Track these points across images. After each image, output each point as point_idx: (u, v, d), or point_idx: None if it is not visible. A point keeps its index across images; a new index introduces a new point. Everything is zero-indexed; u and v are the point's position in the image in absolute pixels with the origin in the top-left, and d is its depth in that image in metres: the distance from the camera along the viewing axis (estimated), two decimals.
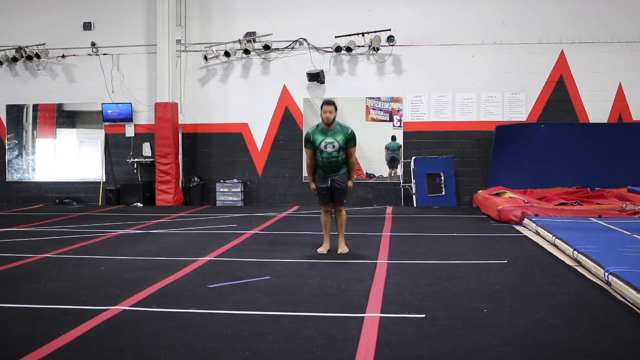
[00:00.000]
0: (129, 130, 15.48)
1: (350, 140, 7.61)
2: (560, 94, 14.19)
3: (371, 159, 14.39)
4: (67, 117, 16.01)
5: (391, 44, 14.08)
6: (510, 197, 12.06)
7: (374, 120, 14.62)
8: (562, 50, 14.15)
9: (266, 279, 6.45)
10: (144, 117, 15.38)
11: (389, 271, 6.77)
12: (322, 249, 7.95)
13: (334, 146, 7.56)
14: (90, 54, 15.47)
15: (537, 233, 9.30)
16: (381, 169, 14.86)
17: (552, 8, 14.20)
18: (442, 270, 6.85)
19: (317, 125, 7.75)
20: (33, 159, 15.98)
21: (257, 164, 15.10)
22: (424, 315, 5.03)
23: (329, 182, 7.70)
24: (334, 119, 7.62)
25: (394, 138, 14.71)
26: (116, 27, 15.37)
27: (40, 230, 10.39)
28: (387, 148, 14.77)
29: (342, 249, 7.88)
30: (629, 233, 8.51)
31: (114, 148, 15.55)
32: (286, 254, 7.96)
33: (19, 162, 15.99)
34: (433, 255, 7.74)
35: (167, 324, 4.83)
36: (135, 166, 15.38)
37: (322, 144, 7.58)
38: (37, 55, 15.33)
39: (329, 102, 7.64)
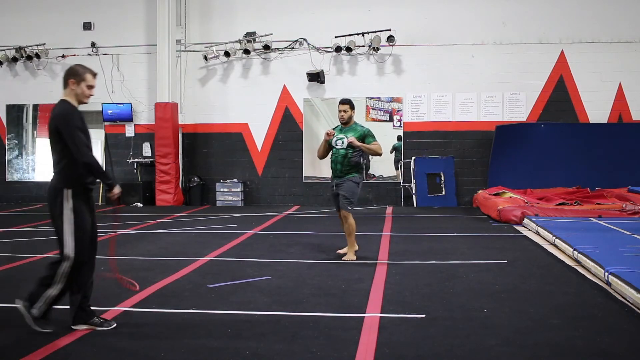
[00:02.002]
0: (129, 130, 15.48)
1: (367, 137, 7.39)
2: (560, 94, 14.19)
3: (371, 158, 14.36)
4: None
5: (391, 44, 14.08)
6: (510, 197, 12.06)
7: (374, 120, 14.60)
8: (562, 50, 14.15)
9: (266, 279, 6.45)
10: (144, 117, 15.38)
11: (389, 271, 6.77)
12: (342, 250, 7.79)
13: (342, 142, 7.36)
14: (90, 54, 15.46)
15: (537, 233, 9.30)
16: (381, 169, 14.84)
17: (552, 8, 14.20)
18: (442, 270, 6.85)
19: (338, 125, 7.67)
20: (33, 159, 15.98)
21: (257, 164, 15.09)
22: (424, 315, 5.03)
23: (334, 185, 7.52)
24: (350, 117, 7.46)
25: (399, 138, 14.68)
26: (116, 27, 15.37)
27: (40, 230, 10.39)
28: (395, 148, 14.70)
29: (348, 256, 7.50)
30: (629, 233, 8.51)
31: (114, 148, 15.54)
32: (286, 254, 7.96)
33: (19, 162, 15.99)
34: (433, 255, 7.74)
35: (167, 324, 4.83)
36: (135, 166, 15.38)
37: (334, 140, 7.43)
38: (37, 55, 15.33)
39: (343, 101, 7.51)
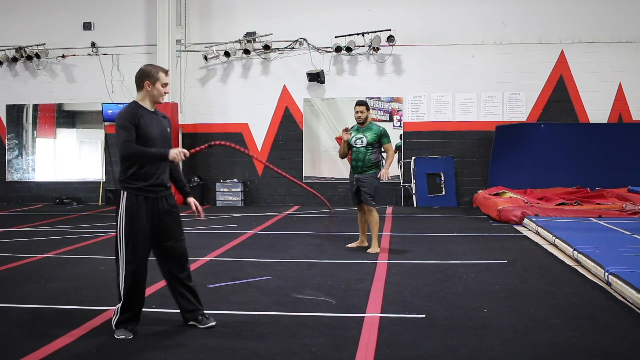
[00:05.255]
0: None
1: (383, 137, 7.94)
2: (560, 94, 14.19)
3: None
4: (67, 117, 16.01)
5: (391, 44, 14.07)
6: (510, 197, 12.06)
7: (374, 120, 14.51)
8: (562, 50, 14.15)
9: (266, 279, 6.45)
10: None
11: (389, 271, 6.77)
12: (351, 244, 8.30)
13: (362, 141, 7.88)
14: (90, 54, 15.46)
15: (537, 233, 9.30)
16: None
17: (552, 8, 14.19)
18: (442, 270, 6.85)
19: (354, 125, 8.15)
20: (33, 159, 15.98)
21: (257, 164, 15.09)
22: (424, 315, 5.04)
23: (355, 181, 7.95)
24: (366, 118, 8.01)
25: (400, 137, 14.64)
26: (116, 27, 15.36)
27: (40, 230, 10.39)
28: (397, 147, 14.67)
29: (372, 248, 7.98)
30: (629, 233, 8.51)
31: (114, 148, 15.52)
32: (286, 254, 7.96)
33: (19, 162, 15.99)
34: (433, 255, 7.75)
35: (167, 324, 4.83)
36: None
37: (353, 139, 7.94)
38: (37, 55, 15.32)
39: (359, 103, 8.07)
